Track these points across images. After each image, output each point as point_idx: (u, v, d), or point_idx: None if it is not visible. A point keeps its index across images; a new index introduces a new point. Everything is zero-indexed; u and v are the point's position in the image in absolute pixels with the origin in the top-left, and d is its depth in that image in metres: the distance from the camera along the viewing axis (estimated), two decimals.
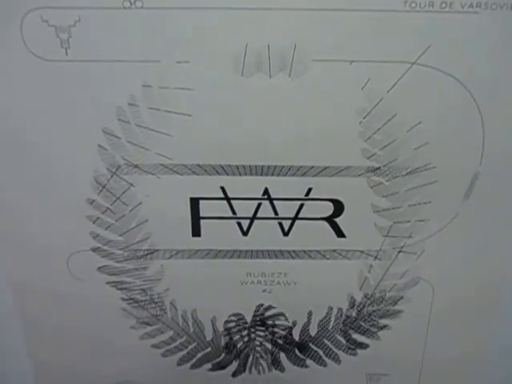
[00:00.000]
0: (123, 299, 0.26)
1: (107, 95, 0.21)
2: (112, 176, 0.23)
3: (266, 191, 0.24)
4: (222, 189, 0.24)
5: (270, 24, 0.19)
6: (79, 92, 0.21)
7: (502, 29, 0.20)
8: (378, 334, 0.28)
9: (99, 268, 0.25)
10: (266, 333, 0.28)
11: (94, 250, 0.25)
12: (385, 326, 0.27)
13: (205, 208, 0.24)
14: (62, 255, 0.25)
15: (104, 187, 0.23)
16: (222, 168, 0.23)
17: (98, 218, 0.24)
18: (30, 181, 0.23)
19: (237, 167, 0.23)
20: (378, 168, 0.23)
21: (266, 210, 0.24)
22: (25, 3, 0.18)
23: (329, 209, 0.24)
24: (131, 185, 0.23)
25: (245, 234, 0.25)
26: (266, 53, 0.20)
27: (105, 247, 0.25)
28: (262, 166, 0.23)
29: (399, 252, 0.25)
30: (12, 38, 0.19)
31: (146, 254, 0.25)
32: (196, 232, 0.24)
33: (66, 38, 0.19)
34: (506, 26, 0.20)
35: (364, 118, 0.21)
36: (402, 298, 0.26)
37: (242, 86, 0.21)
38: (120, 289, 0.26)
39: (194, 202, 0.24)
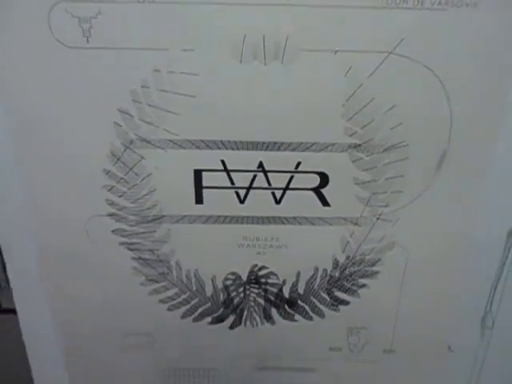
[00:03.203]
0: (134, 258, 0.29)
1: (123, 79, 0.23)
2: (125, 149, 0.25)
3: (260, 164, 0.26)
4: (222, 162, 0.26)
5: (265, 18, 0.22)
6: (98, 76, 0.23)
7: (466, 23, 0.22)
8: (358, 292, 0.31)
9: (113, 231, 0.28)
10: (260, 290, 0.31)
11: (110, 215, 0.28)
12: (364, 285, 0.30)
13: (207, 179, 0.27)
14: (80, 220, 0.28)
15: (119, 159, 0.26)
16: (222, 143, 0.26)
17: (113, 186, 0.27)
18: (54, 153, 0.26)
19: (235, 142, 0.26)
20: (359, 145, 0.26)
21: (260, 180, 0.27)
22: None
23: (315, 180, 0.27)
24: (142, 157, 0.26)
25: (242, 202, 0.27)
26: (262, 43, 0.23)
27: (119, 213, 0.27)
28: (258, 142, 0.26)
29: (377, 219, 0.28)
30: (41, 27, 0.22)
31: (155, 219, 0.28)
32: (199, 200, 0.27)
33: (88, 28, 0.22)
34: (469, 21, 0.22)
35: (346, 100, 0.24)
36: (379, 260, 0.29)
37: (240, 72, 0.23)
38: (131, 249, 0.29)
39: (198, 174, 0.27)
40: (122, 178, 0.26)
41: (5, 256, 0.29)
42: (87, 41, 0.22)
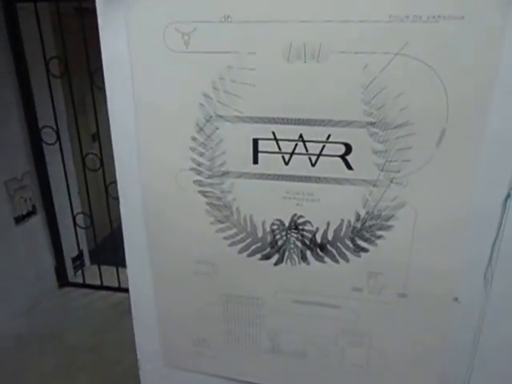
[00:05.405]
0: (207, 203, 0.39)
1: (207, 72, 0.34)
2: (206, 122, 0.36)
3: (300, 135, 0.35)
4: (273, 133, 0.36)
5: (305, 31, 0.31)
6: (192, 70, 0.34)
7: (454, 31, 0.30)
8: (376, 242, 0.38)
9: (194, 181, 0.38)
10: (298, 235, 0.39)
11: (192, 169, 0.38)
12: (381, 236, 0.38)
13: (261, 145, 0.36)
14: (172, 172, 0.38)
15: (201, 129, 0.36)
16: (273, 119, 0.35)
17: (196, 148, 0.37)
18: (161, 122, 0.37)
19: (282, 119, 0.35)
20: (375, 123, 0.34)
21: (300, 148, 0.36)
22: (166, 20, 0.32)
23: (341, 149, 0.35)
24: (217, 128, 0.36)
25: (286, 164, 0.37)
26: (303, 48, 0.32)
27: (198, 168, 0.38)
28: (299, 119, 0.35)
29: (391, 182, 0.35)
30: (158, 39, 0.33)
31: (223, 174, 0.38)
32: (255, 161, 0.37)
33: (187, 39, 0.32)
34: (456, 29, 0.30)
35: (364, 89, 0.33)
36: (392, 216, 0.37)
37: (287, 67, 0.33)
38: (205, 196, 0.39)
39: (255, 141, 0.36)
40: (202, 143, 0.37)
41: (120, 191, 0.40)
42: (186, 47, 0.33)
